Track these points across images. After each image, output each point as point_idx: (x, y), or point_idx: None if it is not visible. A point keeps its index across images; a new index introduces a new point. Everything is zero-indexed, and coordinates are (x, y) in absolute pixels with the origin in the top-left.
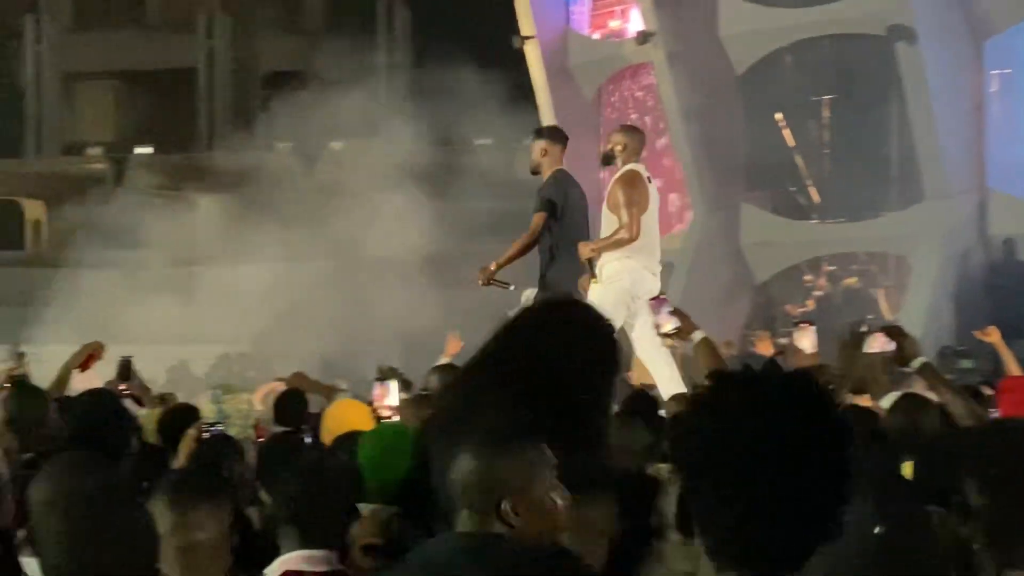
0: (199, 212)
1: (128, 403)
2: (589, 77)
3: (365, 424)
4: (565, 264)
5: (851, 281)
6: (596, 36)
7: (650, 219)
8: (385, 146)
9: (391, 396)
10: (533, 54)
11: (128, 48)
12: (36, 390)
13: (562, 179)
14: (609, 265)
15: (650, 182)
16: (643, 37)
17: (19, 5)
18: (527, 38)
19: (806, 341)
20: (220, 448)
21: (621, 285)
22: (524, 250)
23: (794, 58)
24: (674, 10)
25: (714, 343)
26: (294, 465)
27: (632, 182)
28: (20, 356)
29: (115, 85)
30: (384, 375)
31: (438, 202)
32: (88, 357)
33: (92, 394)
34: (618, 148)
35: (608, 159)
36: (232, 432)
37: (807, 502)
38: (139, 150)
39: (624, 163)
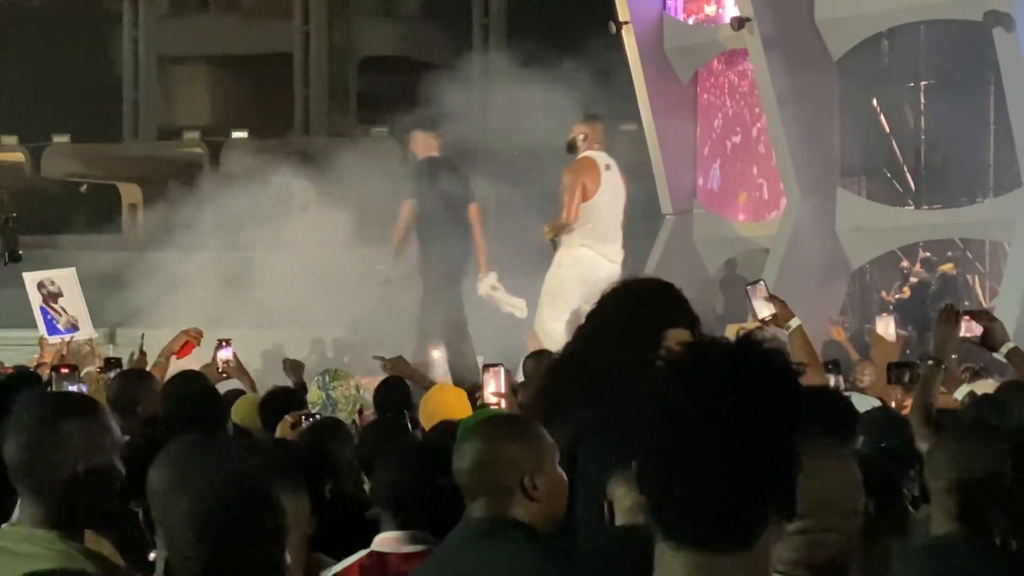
0: (294, 196)
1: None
2: (684, 62)
3: (463, 411)
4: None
5: (947, 267)
6: (690, 21)
7: (605, 206)
8: (481, 130)
9: (497, 384)
10: (629, 39)
11: (224, 33)
12: (140, 373)
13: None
14: (565, 252)
15: (608, 170)
16: (738, 22)
17: None
18: (623, 23)
19: (887, 329)
20: (329, 431)
21: (576, 272)
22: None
23: (891, 43)
24: None
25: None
26: (392, 449)
27: (577, 169)
28: (141, 337)
29: (211, 70)
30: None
31: (532, 186)
32: (185, 343)
33: (185, 377)
34: (579, 138)
35: (571, 147)
36: (340, 417)
37: (759, 474)
38: (235, 134)
39: (584, 151)
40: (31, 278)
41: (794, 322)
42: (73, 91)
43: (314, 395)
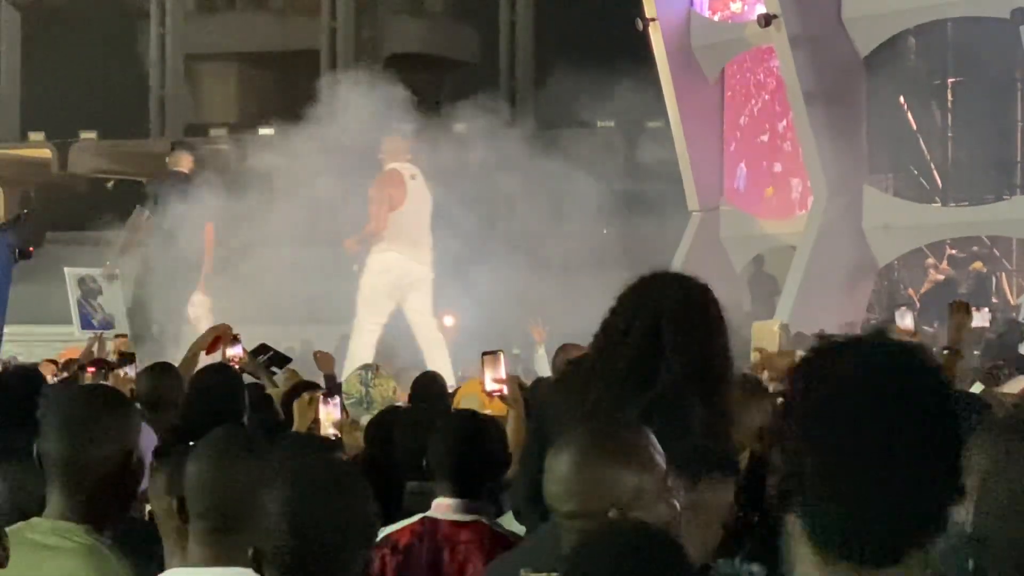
0: (321, 193)
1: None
2: (711, 59)
3: (494, 403)
4: None
5: (975, 265)
6: (716, 18)
7: (412, 214)
8: (506, 127)
9: (496, 371)
10: (655, 36)
11: (251, 30)
12: (166, 368)
13: None
14: (375, 258)
15: (414, 179)
16: (765, 19)
17: None
18: (650, 20)
19: (905, 322)
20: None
21: (387, 277)
22: None
23: (918, 41)
24: None
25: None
26: (448, 422)
27: (382, 181)
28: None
29: (238, 66)
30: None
31: (559, 183)
32: (215, 339)
33: (210, 370)
34: (381, 153)
35: (381, 163)
36: (372, 414)
37: (918, 487)
38: (262, 131)
39: (390, 165)
40: (73, 273)
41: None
42: (100, 88)
43: (352, 386)
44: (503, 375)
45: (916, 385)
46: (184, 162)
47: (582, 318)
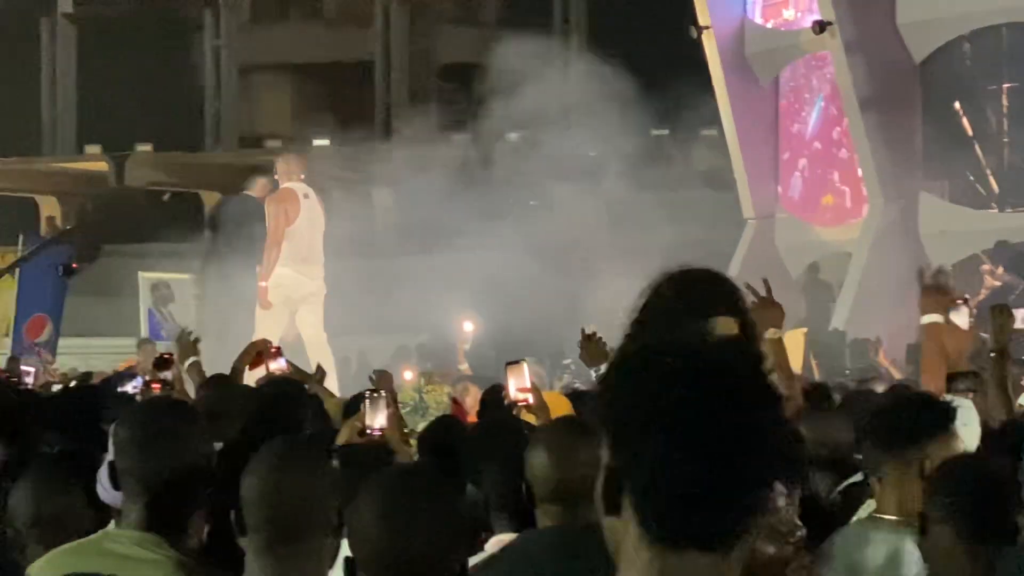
0: (376, 203)
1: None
2: (765, 66)
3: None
4: None
5: None
6: (769, 26)
7: (303, 230)
8: (562, 137)
9: (520, 380)
10: (709, 44)
11: (305, 41)
12: (227, 379)
13: None
14: (267, 274)
15: (307, 198)
16: (820, 26)
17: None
18: (703, 28)
19: (962, 319)
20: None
21: (280, 291)
22: None
23: (972, 46)
24: None
25: None
26: (507, 451)
27: (276, 199)
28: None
29: (293, 78)
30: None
31: (614, 192)
32: (257, 355)
33: (273, 382)
34: (279, 171)
35: (275, 183)
36: (428, 421)
37: (741, 472)
38: (317, 142)
39: (284, 183)
40: (146, 278)
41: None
42: (155, 100)
43: (407, 395)
44: (527, 384)
45: (729, 376)
46: (259, 188)
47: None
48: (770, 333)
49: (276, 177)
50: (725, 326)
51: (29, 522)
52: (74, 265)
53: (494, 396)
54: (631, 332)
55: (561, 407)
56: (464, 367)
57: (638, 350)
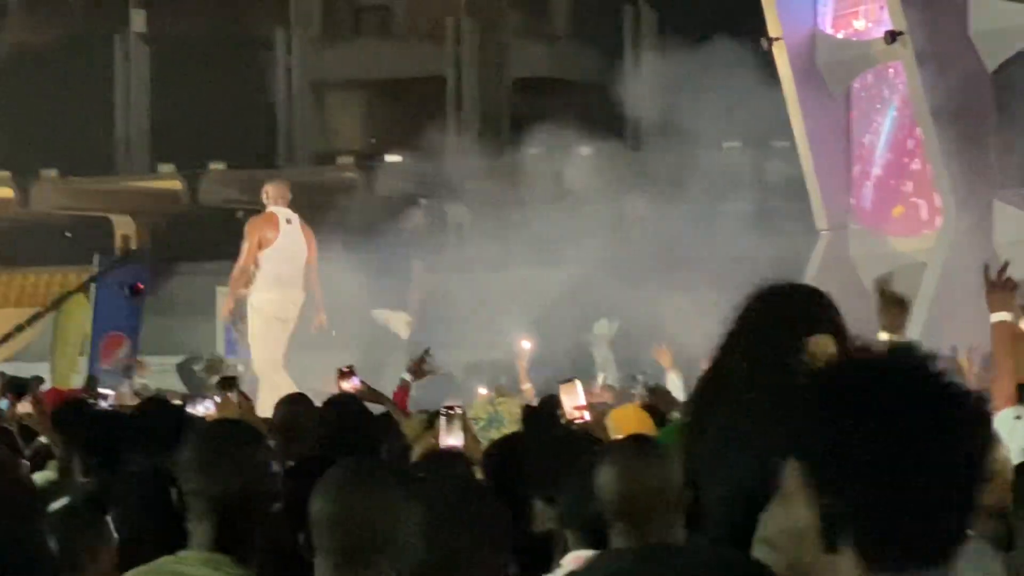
0: (450, 219)
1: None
2: (837, 77)
3: (647, 430)
4: None
5: None
6: (840, 36)
7: (282, 254)
8: (633, 151)
9: (574, 398)
10: (780, 55)
11: (376, 57)
12: (303, 397)
13: None
14: (255, 296)
15: (289, 223)
16: (892, 36)
17: (270, 17)
18: (774, 39)
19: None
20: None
21: (268, 312)
22: None
23: None
24: (923, 8)
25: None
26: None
27: (257, 223)
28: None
29: (364, 94)
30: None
31: (686, 204)
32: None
33: (345, 399)
34: (265, 196)
35: (263, 205)
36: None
37: (949, 492)
38: (389, 158)
39: (270, 207)
40: (224, 293)
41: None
42: (228, 118)
43: (480, 410)
44: (583, 402)
45: (928, 397)
46: (282, 195)
47: (711, 340)
48: (998, 316)
49: (264, 200)
50: (823, 344)
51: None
52: (140, 286)
53: (545, 409)
54: (725, 346)
55: (641, 420)
56: (527, 387)
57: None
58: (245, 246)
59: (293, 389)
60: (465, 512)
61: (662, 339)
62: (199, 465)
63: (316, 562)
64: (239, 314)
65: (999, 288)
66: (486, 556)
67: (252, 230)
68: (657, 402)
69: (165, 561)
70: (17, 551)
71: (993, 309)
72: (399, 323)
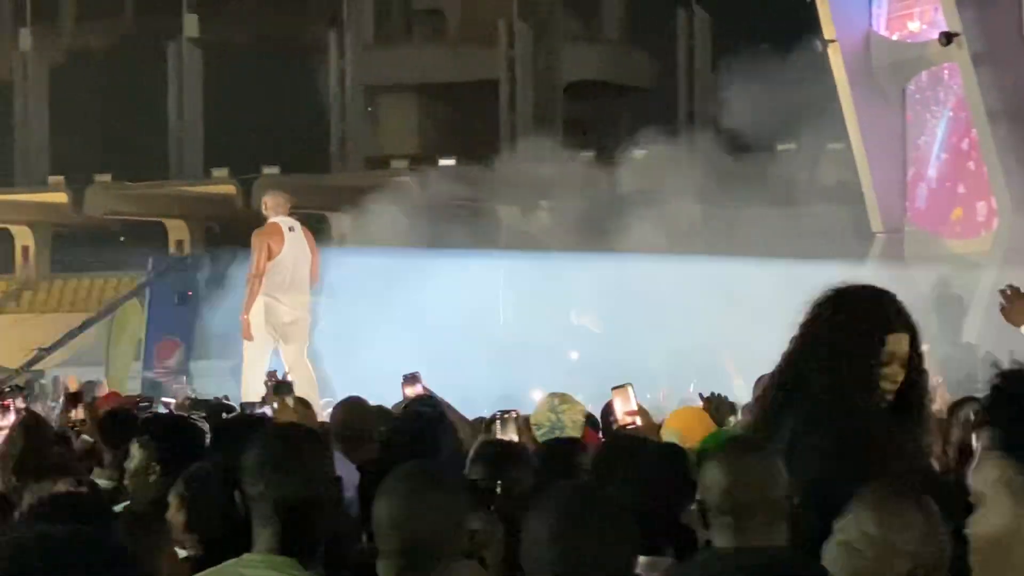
0: (502, 222)
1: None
2: (892, 79)
3: (704, 430)
4: None
5: None
6: (895, 38)
7: (287, 262)
8: (687, 152)
9: (626, 403)
10: (835, 57)
11: (429, 61)
12: (362, 402)
13: None
14: (256, 301)
15: (292, 231)
16: (947, 38)
17: (322, 21)
18: (829, 41)
19: None
20: (568, 450)
21: (262, 319)
22: None
23: None
24: (978, 9)
25: None
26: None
27: (263, 233)
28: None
29: (417, 98)
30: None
31: (740, 207)
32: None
33: (414, 404)
34: (264, 207)
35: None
36: None
37: None
38: (443, 162)
39: (272, 218)
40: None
41: None
42: (281, 122)
43: (542, 416)
44: (634, 407)
45: None
46: (281, 206)
47: (770, 345)
48: None
49: (264, 212)
50: (899, 342)
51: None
52: (189, 293)
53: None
54: (799, 348)
55: (701, 422)
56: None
57: None
58: (253, 258)
59: (260, 396)
60: (591, 516)
61: (722, 345)
62: (265, 469)
63: (379, 564)
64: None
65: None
66: (616, 563)
67: (259, 241)
68: (711, 410)
69: (229, 564)
70: (96, 553)
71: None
72: (589, 321)
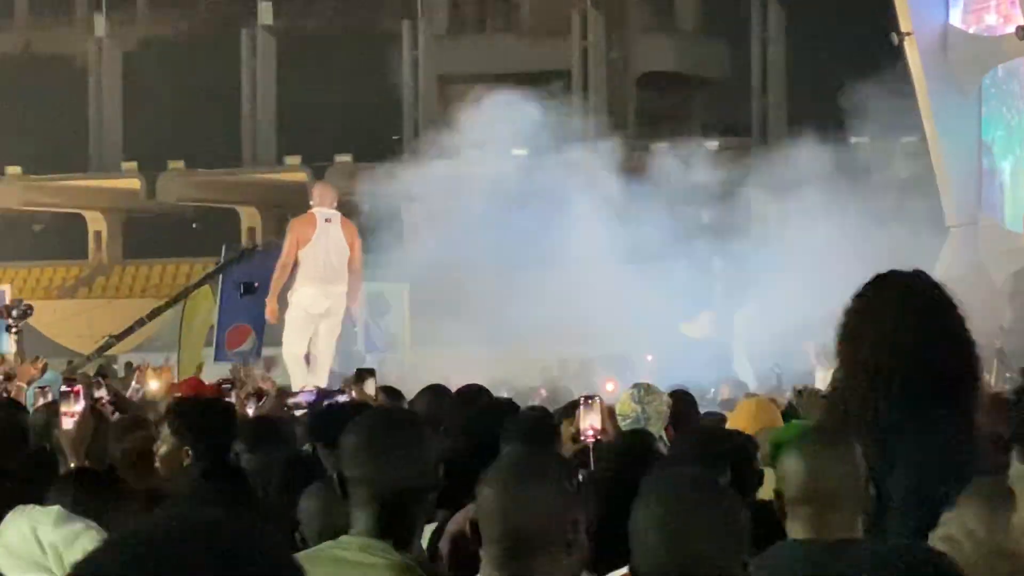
0: (577, 212)
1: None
2: (968, 73)
3: (772, 421)
4: None
5: None
6: (972, 31)
7: (319, 252)
8: (760, 144)
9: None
10: (911, 50)
11: (502, 51)
12: (444, 389)
13: None
14: (293, 291)
15: (328, 222)
16: (1023, 31)
17: (396, 11)
18: (905, 34)
19: None
20: (643, 443)
21: (301, 308)
22: None
23: None
24: None
25: None
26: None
27: (294, 223)
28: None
29: (490, 88)
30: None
31: (812, 200)
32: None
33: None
34: (311, 197)
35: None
36: (651, 431)
37: None
38: (515, 151)
39: (313, 208)
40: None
41: None
42: (354, 111)
43: (626, 407)
44: (599, 425)
45: None
46: (329, 197)
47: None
48: None
49: (311, 201)
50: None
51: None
52: (256, 284)
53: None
54: (850, 336)
55: (768, 413)
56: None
57: None
58: (285, 245)
59: (306, 382)
60: (704, 502)
61: (808, 336)
62: (362, 452)
63: (483, 552)
64: (381, 309)
65: None
66: (726, 547)
67: (291, 230)
68: (802, 405)
69: (326, 546)
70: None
71: None
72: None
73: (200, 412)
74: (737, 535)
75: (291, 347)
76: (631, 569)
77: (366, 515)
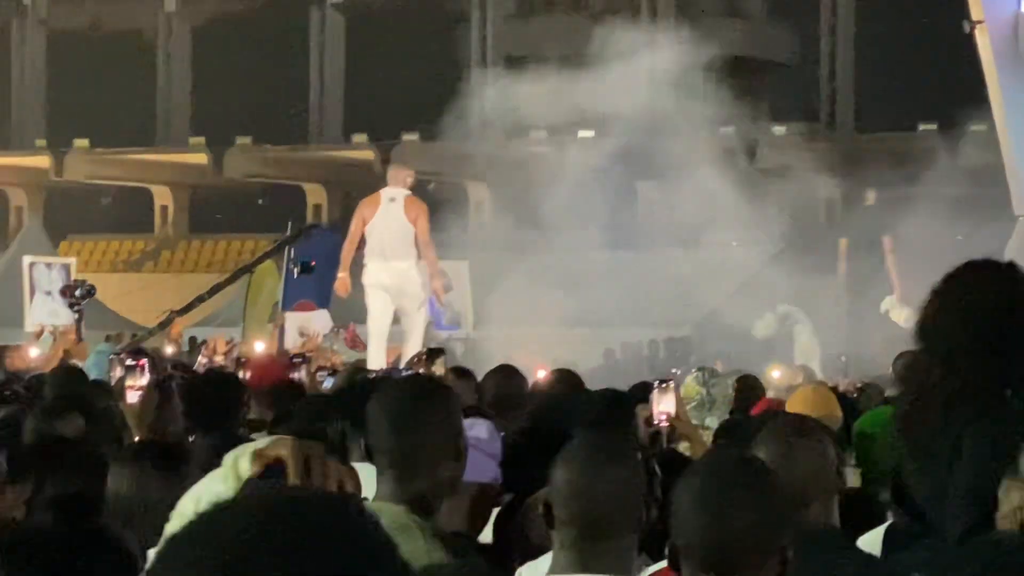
0: (639, 195)
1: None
2: None
3: (827, 408)
4: None
5: None
6: None
7: (380, 230)
8: (826, 130)
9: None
10: (982, 38)
11: (570, 32)
12: (514, 370)
13: None
14: (365, 271)
15: (392, 201)
16: None
17: None
18: (976, 22)
19: None
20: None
21: (374, 282)
22: None
23: None
24: None
25: None
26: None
27: (362, 202)
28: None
29: (558, 69)
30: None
31: (879, 186)
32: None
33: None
34: (389, 180)
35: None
36: (715, 415)
37: None
38: (581, 133)
39: (388, 186)
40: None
41: None
42: (421, 90)
43: (691, 390)
44: (672, 409)
45: None
46: (404, 179)
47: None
48: None
49: (387, 180)
50: None
51: None
52: (312, 263)
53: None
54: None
55: (821, 400)
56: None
57: None
58: (352, 225)
59: (383, 360)
60: (743, 483)
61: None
62: (382, 420)
63: (555, 533)
64: (444, 285)
65: None
66: (765, 528)
67: (358, 209)
68: (864, 399)
69: None
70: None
71: None
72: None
73: (204, 389)
74: (777, 516)
75: (373, 323)
76: (670, 545)
77: (386, 482)
